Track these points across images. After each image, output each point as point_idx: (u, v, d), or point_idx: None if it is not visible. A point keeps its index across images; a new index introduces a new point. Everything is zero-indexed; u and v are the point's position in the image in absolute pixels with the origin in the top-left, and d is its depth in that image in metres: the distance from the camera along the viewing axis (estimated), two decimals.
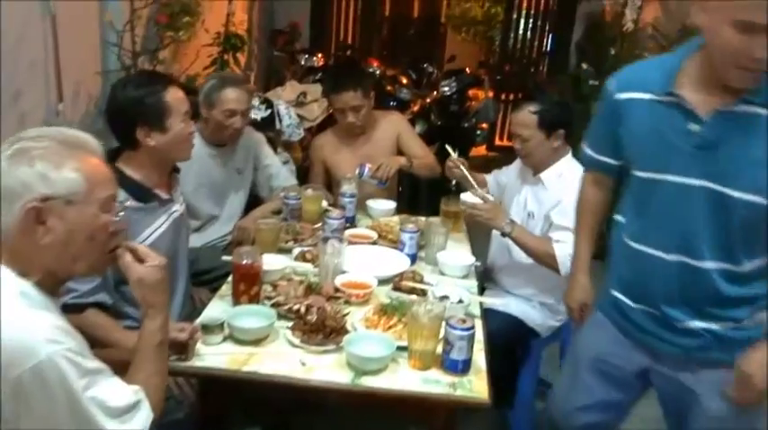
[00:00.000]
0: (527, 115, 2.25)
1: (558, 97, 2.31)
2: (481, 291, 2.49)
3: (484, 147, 6.32)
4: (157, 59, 3.90)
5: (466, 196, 2.27)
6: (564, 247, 2.16)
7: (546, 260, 2.20)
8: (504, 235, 2.23)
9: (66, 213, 1.12)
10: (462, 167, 2.45)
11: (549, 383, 2.76)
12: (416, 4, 11.37)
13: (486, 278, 2.54)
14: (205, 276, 2.31)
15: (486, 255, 2.55)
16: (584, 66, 4.52)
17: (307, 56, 5.63)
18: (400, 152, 2.85)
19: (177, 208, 1.96)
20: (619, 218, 1.68)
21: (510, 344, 2.40)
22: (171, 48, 4.21)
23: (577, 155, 2.41)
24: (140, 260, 1.28)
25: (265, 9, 6.36)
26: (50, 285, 1.14)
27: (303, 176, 3.14)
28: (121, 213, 1.24)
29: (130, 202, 1.76)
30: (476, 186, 2.37)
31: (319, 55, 5.71)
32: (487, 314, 2.18)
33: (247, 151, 2.68)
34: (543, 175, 2.32)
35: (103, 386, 1.09)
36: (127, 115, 1.78)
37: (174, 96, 1.82)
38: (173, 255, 1.92)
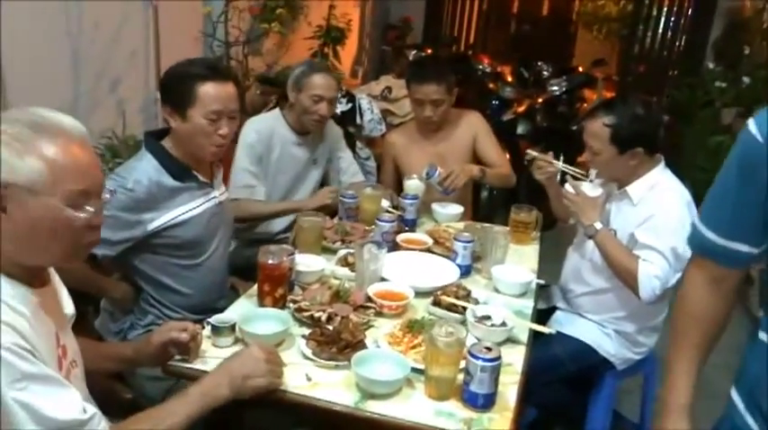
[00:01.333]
0: (600, 127, 1.98)
1: (642, 109, 2.01)
2: (551, 311, 2.28)
3: None
4: (254, 50, 3.95)
5: (568, 185, 2.08)
6: (649, 268, 1.89)
7: (625, 276, 1.94)
8: (587, 235, 2.01)
9: (27, 203, 1.05)
10: (556, 161, 2.21)
11: (626, 419, 2.48)
12: (546, 2, 10.95)
13: (560, 298, 2.29)
14: None
15: (560, 272, 2.30)
16: (711, 66, 4.03)
17: (415, 51, 5.51)
18: (475, 154, 2.66)
19: (216, 194, 1.93)
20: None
21: (579, 372, 2.16)
22: (274, 40, 4.26)
23: (672, 166, 2.11)
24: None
25: (380, 4, 6.31)
26: (20, 275, 1.09)
27: None
28: (90, 210, 1.12)
29: (168, 181, 1.78)
30: (579, 176, 2.13)
31: (429, 51, 5.57)
32: (556, 337, 1.97)
33: (327, 143, 2.66)
34: (630, 189, 2.04)
35: (42, 393, 1.01)
36: (164, 88, 1.82)
37: (210, 91, 1.74)
38: (207, 240, 1.90)
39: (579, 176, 2.15)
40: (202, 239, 1.88)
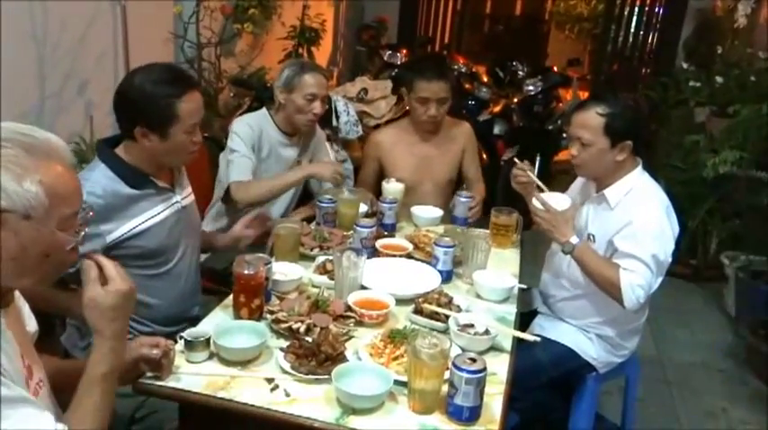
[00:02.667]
0: (593, 116, 1.94)
1: (632, 102, 2.00)
2: (532, 314, 2.25)
3: None
4: (227, 52, 3.88)
5: (536, 201, 2.00)
6: (630, 277, 1.86)
7: (607, 288, 1.91)
8: (564, 252, 1.96)
9: (21, 228, 1.01)
10: (531, 173, 2.15)
11: (608, 420, 2.47)
12: (519, 2, 11.00)
13: (540, 302, 2.27)
14: None
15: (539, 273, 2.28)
16: (686, 65, 4.05)
17: (390, 51, 5.47)
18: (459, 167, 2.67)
19: (178, 199, 1.85)
20: None
21: (561, 377, 2.14)
22: (247, 40, 4.19)
23: (646, 165, 2.10)
24: (103, 280, 1.16)
25: (354, 4, 6.26)
26: None
27: None
28: (81, 233, 1.11)
29: (123, 189, 1.69)
30: (545, 190, 2.08)
31: (404, 51, 5.52)
32: (538, 342, 1.94)
33: (313, 144, 2.64)
34: (608, 193, 2.01)
35: (16, 418, 0.96)
36: (132, 108, 1.68)
37: (188, 106, 1.68)
38: (171, 248, 1.82)
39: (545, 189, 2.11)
40: (166, 247, 1.80)
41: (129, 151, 1.73)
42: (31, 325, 1.24)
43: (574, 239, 1.93)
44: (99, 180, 1.67)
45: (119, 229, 1.69)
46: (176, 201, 1.84)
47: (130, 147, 1.73)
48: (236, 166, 2.36)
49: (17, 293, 1.18)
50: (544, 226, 1.96)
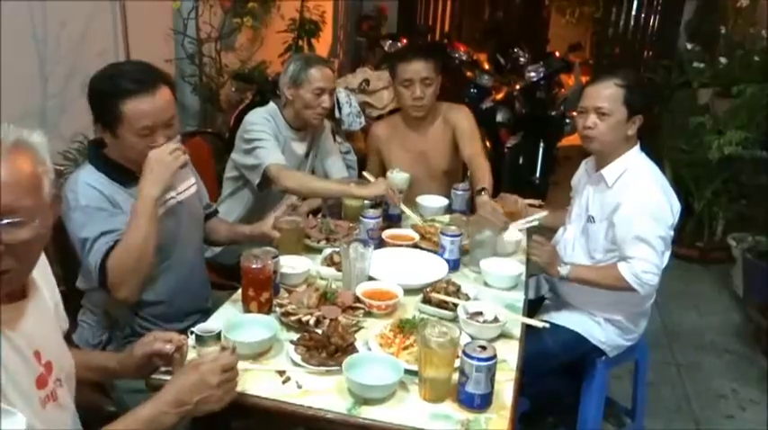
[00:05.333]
0: (612, 87, 1.95)
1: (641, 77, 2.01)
2: (540, 302, 2.26)
3: (577, 136, 5.87)
4: (227, 46, 3.87)
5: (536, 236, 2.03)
6: (633, 267, 1.89)
7: (618, 285, 1.93)
8: (562, 279, 1.98)
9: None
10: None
11: (618, 404, 2.48)
12: None
13: (547, 288, 2.27)
14: None
15: None
16: (689, 46, 4.02)
17: (390, 41, 5.44)
18: (456, 147, 2.61)
19: (173, 194, 1.80)
20: None
21: (571, 362, 2.15)
22: (248, 35, 4.18)
23: (650, 148, 2.09)
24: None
25: None
26: None
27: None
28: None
29: (108, 189, 1.67)
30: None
31: (404, 40, 5.50)
32: (546, 328, 1.94)
33: (319, 138, 2.61)
34: (605, 172, 2.02)
35: None
36: (90, 103, 1.64)
37: (137, 108, 1.58)
38: (167, 245, 1.78)
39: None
40: (162, 245, 1.74)
41: (114, 148, 1.70)
42: (61, 320, 1.26)
43: (563, 269, 1.95)
44: (84, 180, 1.65)
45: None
46: (171, 197, 1.79)
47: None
48: (270, 151, 2.31)
49: (43, 290, 1.17)
50: (545, 259, 1.96)
